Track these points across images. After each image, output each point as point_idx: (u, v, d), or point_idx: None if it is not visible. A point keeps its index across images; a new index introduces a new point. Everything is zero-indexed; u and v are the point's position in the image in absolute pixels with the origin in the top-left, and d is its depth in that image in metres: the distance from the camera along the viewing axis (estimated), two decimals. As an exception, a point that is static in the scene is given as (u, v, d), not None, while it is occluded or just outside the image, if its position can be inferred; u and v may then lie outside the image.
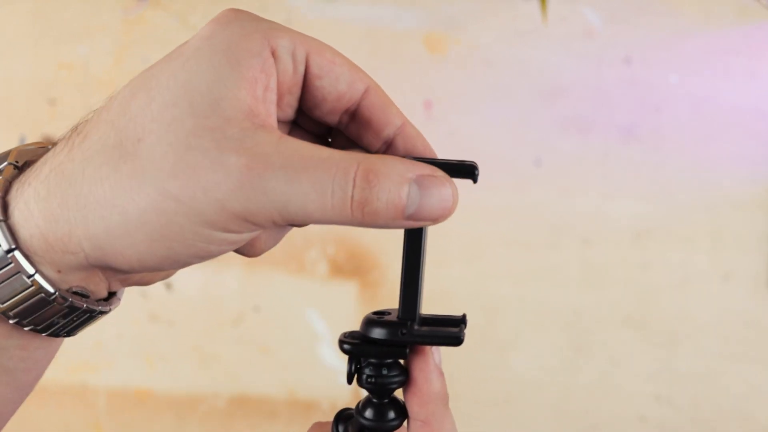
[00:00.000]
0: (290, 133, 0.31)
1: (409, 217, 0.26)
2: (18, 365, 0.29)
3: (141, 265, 0.27)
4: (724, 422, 0.67)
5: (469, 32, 0.69)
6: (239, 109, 0.25)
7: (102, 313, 0.29)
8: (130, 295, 0.74)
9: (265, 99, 0.27)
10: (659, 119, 0.68)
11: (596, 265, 0.68)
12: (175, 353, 0.70)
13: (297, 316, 0.69)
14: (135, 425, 0.71)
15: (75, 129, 0.27)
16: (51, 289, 0.27)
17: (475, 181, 0.30)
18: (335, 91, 0.29)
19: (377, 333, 0.30)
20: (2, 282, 0.27)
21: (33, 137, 0.68)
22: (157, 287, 0.69)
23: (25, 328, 0.28)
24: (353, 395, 0.68)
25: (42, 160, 0.27)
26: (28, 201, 0.26)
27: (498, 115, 0.69)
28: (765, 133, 0.68)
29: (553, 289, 0.68)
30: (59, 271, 0.27)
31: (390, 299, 0.67)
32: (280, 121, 0.29)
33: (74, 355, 0.69)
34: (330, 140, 0.32)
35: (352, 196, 0.25)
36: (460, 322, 0.30)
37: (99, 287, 0.29)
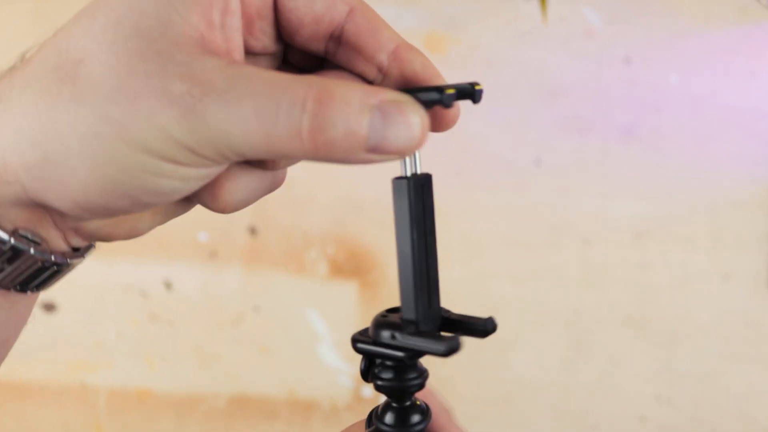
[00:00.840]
0: (279, 68, 0.28)
1: (371, 149, 0.23)
2: None
3: (85, 199, 0.24)
4: (724, 422, 0.67)
5: (470, 32, 0.69)
6: (189, 35, 0.23)
7: (59, 266, 0.26)
8: (129, 295, 0.74)
9: (224, 25, 0.24)
10: (659, 119, 0.68)
11: (596, 265, 0.68)
12: (175, 353, 0.70)
13: (297, 316, 0.69)
14: (135, 425, 0.71)
15: (22, 57, 0.26)
16: (4, 236, 0.24)
17: (475, 101, 0.26)
18: (311, 12, 0.26)
19: (380, 334, 0.28)
20: None
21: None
22: (157, 287, 0.69)
23: None
24: (353, 395, 0.68)
25: None
26: None
27: (498, 115, 0.69)
28: (765, 133, 0.68)
29: (553, 289, 0.68)
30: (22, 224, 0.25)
31: (390, 299, 0.67)
32: (258, 53, 0.27)
33: (74, 355, 0.69)
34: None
35: (303, 123, 0.22)
36: (481, 328, 0.27)
37: (51, 235, 0.26)
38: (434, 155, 0.70)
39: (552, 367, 0.68)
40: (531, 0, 0.68)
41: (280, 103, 0.22)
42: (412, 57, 0.27)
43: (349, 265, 0.69)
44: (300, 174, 0.70)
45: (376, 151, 0.23)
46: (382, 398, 0.33)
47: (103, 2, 0.24)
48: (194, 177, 0.24)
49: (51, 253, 0.26)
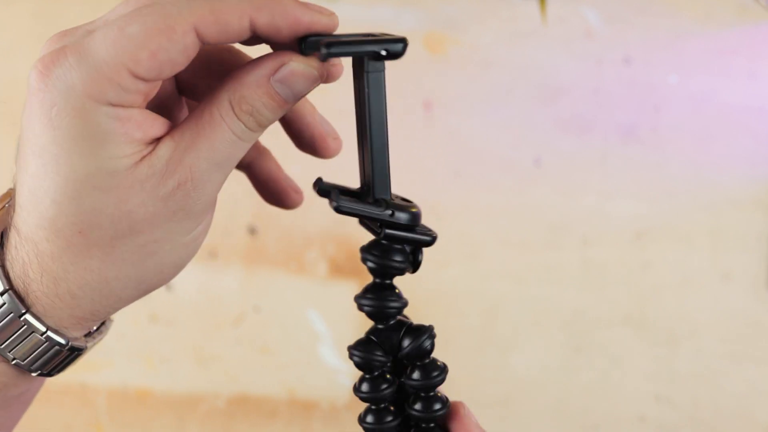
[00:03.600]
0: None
1: (295, 97, 0.29)
2: (16, 401, 0.32)
3: (136, 295, 0.31)
4: (723, 422, 0.67)
5: (469, 33, 0.69)
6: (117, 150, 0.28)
7: (80, 350, 0.31)
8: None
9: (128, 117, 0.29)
10: (659, 119, 0.68)
11: (596, 265, 0.68)
12: (175, 353, 0.70)
13: (297, 316, 0.70)
14: (135, 425, 0.71)
15: (9, 195, 0.31)
16: (63, 341, 0.30)
17: (396, 56, 0.29)
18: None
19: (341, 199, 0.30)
20: (20, 341, 0.29)
21: (33, 137, 0.68)
22: (157, 287, 0.69)
23: (33, 374, 0.30)
24: (353, 395, 0.68)
25: (11, 230, 0.30)
26: (26, 273, 0.29)
27: (498, 115, 0.69)
28: (765, 133, 0.68)
29: (553, 288, 0.68)
30: (65, 327, 0.30)
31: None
32: (166, 101, 0.32)
33: (74, 355, 0.69)
34: None
35: (249, 127, 0.28)
36: (410, 220, 0.29)
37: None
38: (434, 155, 0.70)
39: (551, 367, 0.68)
40: (530, 1, 0.68)
41: (228, 127, 0.29)
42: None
43: (349, 265, 0.69)
44: (300, 174, 0.70)
45: (296, 99, 0.29)
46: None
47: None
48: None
49: (92, 336, 0.32)
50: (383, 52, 0.28)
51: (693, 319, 0.68)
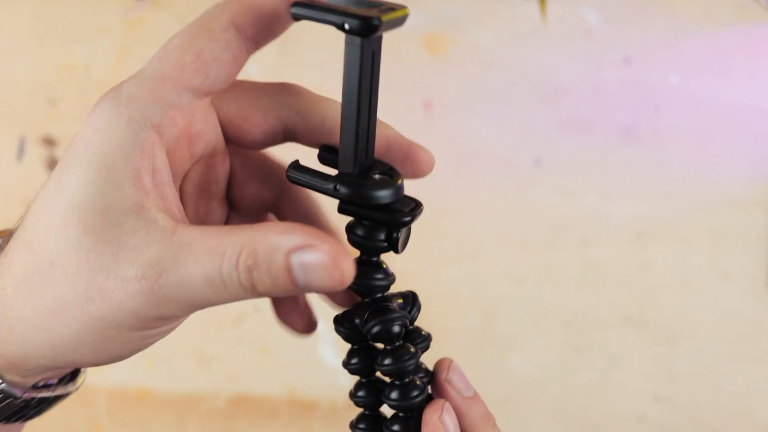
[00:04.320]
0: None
1: (305, 289, 0.25)
2: None
3: (96, 363, 0.29)
4: (723, 422, 0.67)
5: (469, 33, 0.69)
6: (127, 211, 0.25)
7: (68, 393, 0.31)
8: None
9: (156, 183, 0.26)
10: (659, 119, 0.69)
11: (596, 265, 0.68)
12: (175, 353, 0.70)
13: (297, 316, 0.70)
14: (135, 425, 0.71)
15: (1, 247, 0.29)
16: (18, 393, 0.29)
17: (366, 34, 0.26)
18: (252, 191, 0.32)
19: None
20: None
21: (33, 137, 0.68)
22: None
23: None
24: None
25: None
26: None
27: (498, 115, 0.69)
28: (765, 133, 0.68)
29: (553, 288, 0.68)
30: (25, 377, 0.29)
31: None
32: (207, 197, 0.31)
33: (74, 355, 0.69)
34: None
35: (243, 282, 0.25)
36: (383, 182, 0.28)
37: (64, 371, 0.31)
38: (434, 155, 0.70)
39: (551, 366, 0.68)
40: (530, 1, 0.68)
41: (221, 269, 0.25)
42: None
43: (349, 265, 0.69)
44: (300, 174, 0.70)
45: (309, 289, 0.25)
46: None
47: (51, 197, 0.26)
48: (176, 323, 0.29)
49: (65, 385, 0.32)
50: (346, 26, 0.25)
51: (693, 319, 0.68)
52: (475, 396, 0.31)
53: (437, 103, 0.68)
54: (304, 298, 0.34)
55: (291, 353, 0.70)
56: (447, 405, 0.30)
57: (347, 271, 0.24)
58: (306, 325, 0.35)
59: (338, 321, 0.31)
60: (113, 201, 0.25)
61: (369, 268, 0.29)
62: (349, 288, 0.29)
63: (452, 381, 0.30)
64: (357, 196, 0.27)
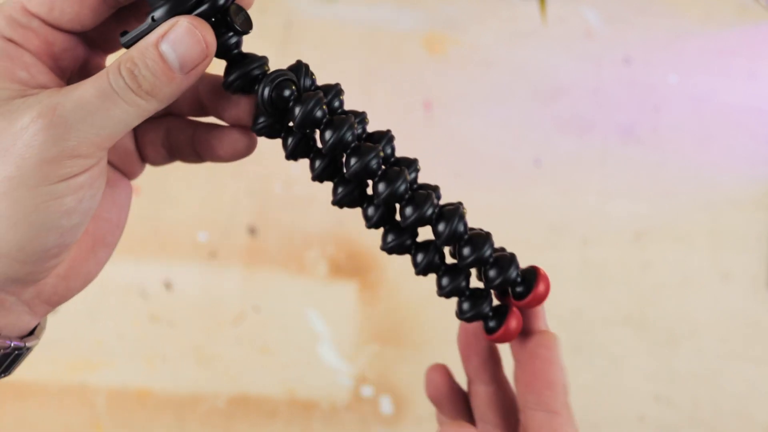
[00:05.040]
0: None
1: (182, 70, 0.28)
2: None
3: (18, 251, 0.28)
4: (723, 422, 0.67)
5: (469, 33, 0.69)
6: (11, 98, 0.28)
7: (29, 349, 0.30)
8: (129, 295, 0.74)
9: (33, 75, 0.29)
10: (658, 119, 0.69)
11: (596, 265, 0.68)
12: (175, 353, 0.70)
13: (297, 316, 0.70)
14: (135, 425, 0.71)
15: None
16: None
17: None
18: None
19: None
20: None
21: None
22: (157, 287, 0.69)
23: None
24: (353, 395, 0.68)
25: None
26: None
27: (498, 115, 0.69)
28: (765, 133, 0.68)
29: (553, 288, 0.68)
30: None
31: (390, 299, 0.67)
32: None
33: (74, 355, 0.69)
34: None
35: (130, 85, 0.28)
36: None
37: (15, 317, 0.30)
38: (434, 155, 0.70)
39: (552, 367, 0.68)
40: (530, 1, 0.68)
41: (109, 80, 0.28)
42: None
43: (349, 265, 0.69)
44: (300, 174, 0.70)
45: (186, 69, 0.28)
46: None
47: None
48: (87, 182, 0.29)
49: (22, 338, 0.31)
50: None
51: (693, 319, 0.68)
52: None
53: (437, 103, 0.68)
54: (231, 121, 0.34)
55: (291, 353, 0.70)
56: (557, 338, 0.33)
57: (208, 34, 0.28)
58: (244, 143, 0.35)
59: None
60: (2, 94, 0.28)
61: (238, 62, 0.31)
62: (231, 87, 0.31)
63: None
64: (173, 7, 0.29)
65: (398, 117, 0.68)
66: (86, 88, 0.28)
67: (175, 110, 0.34)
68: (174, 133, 0.34)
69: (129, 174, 0.35)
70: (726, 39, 0.68)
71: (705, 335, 0.68)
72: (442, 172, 0.68)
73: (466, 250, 0.32)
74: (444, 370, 0.33)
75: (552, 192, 0.68)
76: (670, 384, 0.68)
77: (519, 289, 0.33)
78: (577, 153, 0.68)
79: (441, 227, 0.31)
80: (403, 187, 0.30)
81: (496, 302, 0.33)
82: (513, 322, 0.32)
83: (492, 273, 0.32)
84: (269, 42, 0.68)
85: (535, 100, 0.68)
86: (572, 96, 0.68)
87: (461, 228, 0.31)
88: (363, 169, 0.30)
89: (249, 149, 0.34)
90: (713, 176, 0.68)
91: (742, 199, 0.67)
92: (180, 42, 0.28)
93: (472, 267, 0.32)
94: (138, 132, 0.34)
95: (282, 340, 0.70)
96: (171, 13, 0.28)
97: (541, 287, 0.33)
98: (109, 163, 0.34)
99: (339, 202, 0.32)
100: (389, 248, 0.32)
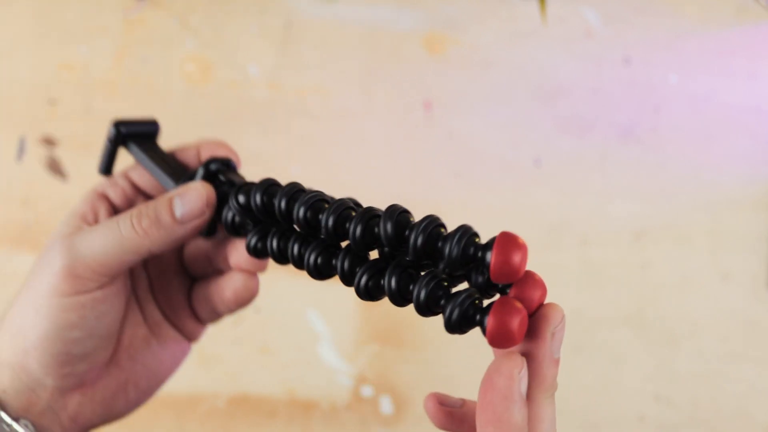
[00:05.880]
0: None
1: (182, 217, 0.35)
2: None
3: (38, 352, 0.34)
4: (723, 422, 0.67)
5: (469, 33, 0.69)
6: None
7: None
8: (130, 295, 0.71)
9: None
10: (659, 119, 0.69)
11: (596, 265, 0.68)
12: (175, 353, 0.70)
13: (297, 317, 0.70)
14: (135, 425, 0.71)
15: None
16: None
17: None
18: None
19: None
20: None
21: (33, 137, 0.68)
22: (157, 287, 0.69)
23: None
24: (353, 395, 0.68)
25: None
26: None
27: (498, 115, 0.69)
28: (765, 133, 0.68)
29: (553, 288, 0.68)
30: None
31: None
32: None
33: (74, 355, 0.69)
34: None
35: (134, 226, 0.35)
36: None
37: (47, 420, 0.35)
38: (434, 155, 0.70)
39: (552, 367, 0.68)
40: (530, 1, 0.68)
41: (118, 221, 0.35)
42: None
43: (349, 265, 0.69)
44: (300, 174, 0.70)
45: (184, 220, 0.35)
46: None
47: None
48: (89, 306, 0.35)
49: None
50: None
51: (693, 319, 0.68)
52: (558, 360, 0.30)
53: (437, 103, 0.68)
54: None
55: (291, 353, 0.70)
56: (525, 365, 0.28)
57: (211, 192, 0.36)
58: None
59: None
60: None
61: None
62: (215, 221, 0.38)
63: (556, 336, 0.30)
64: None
65: (398, 117, 0.68)
66: (98, 226, 0.35)
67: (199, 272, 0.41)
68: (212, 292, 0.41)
69: (189, 335, 0.43)
70: (726, 39, 0.68)
71: (705, 335, 0.68)
72: (442, 172, 0.68)
73: (411, 240, 0.27)
74: (434, 400, 0.32)
75: (552, 192, 0.68)
76: (670, 384, 0.68)
77: (484, 269, 0.26)
78: (577, 153, 0.68)
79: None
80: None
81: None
82: (498, 318, 0.26)
83: (445, 256, 0.27)
84: (269, 42, 0.68)
85: (535, 100, 0.68)
86: (572, 96, 0.68)
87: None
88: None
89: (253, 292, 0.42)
90: (713, 176, 0.68)
91: (742, 199, 0.67)
92: (187, 198, 0.35)
93: (424, 256, 0.28)
94: (191, 294, 0.41)
95: (282, 340, 0.70)
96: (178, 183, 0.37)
97: (497, 255, 0.26)
98: (169, 322, 0.41)
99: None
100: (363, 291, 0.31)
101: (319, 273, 0.31)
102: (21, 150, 0.68)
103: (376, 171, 0.68)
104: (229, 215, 0.36)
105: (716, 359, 0.68)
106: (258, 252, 0.35)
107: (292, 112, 0.67)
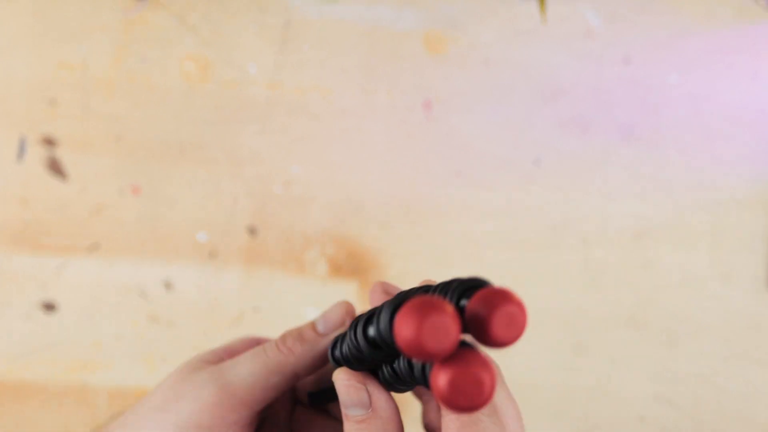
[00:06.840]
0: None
1: (325, 328, 0.37)
2: None
3: None
4: (724, 422, 0.67)
5: (469, 32, 0.69)
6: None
7: None
8: (129, 296, 0.73)
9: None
10: (659, 119, 0.68)
11: (596, 265, 0.68)
12: (175, 353, 0.70)
13: (297, 316, 0.69)
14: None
15: None
16: None
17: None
18: None
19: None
20: None
21: (33, 137, 0.68)
22: (157, 288, 0.69)
23: None
24: (353, 395, 0.68)
25: None
26: None
27: (498, 114, 0.69)
28: (765, 133, 0.68)
29: (553, 289, 0.68)
30: None
31: (390, 299, 0.67)
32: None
33: (74, 355, 0.69)
34: None
35: (278, 345, 0.36)
36: None
37: None
38: (434, 155, 0.70)
39: (552, 367, 0.68)
40: (530, 0, 0.68)
41: (264, 348, 0.37)
42: None
43: (349, 265, 0.69)
44: (300, 174, 0.70)
45: (327, 331, 0.37)
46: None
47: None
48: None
49: None
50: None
51: (693, 320, 0.68)
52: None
53: (437, 102, 0.68)
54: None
55: (291, 353, 0.70)
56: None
57: (350, 305, 0.37)
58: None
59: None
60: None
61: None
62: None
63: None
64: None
65: (398, 116, 0.68)
66: (244, 355, 0.36)
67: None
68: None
69: None
70: (727, 38, 0.68)
71: (705, 335, 0.68)
72: (442, 171, 0.68)
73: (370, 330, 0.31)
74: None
75: (552, 191, 0.68)
76: (670, 384, 0.68)
77: None
78: (578, 152, 0.68)
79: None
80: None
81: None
82: (438, 379, 0.23)
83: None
84: (269, 41, 0.68)
85: (535, 99, 0.68)
86: (572, 95, 0.68)
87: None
88: None
89: None
90: (714, 176, 0.68)
91: (743, 199, 0.67)
92: (331, 313, 0.38)
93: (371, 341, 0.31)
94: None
95: (282, 340, 0.70)
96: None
97: (399, 331, 0.21)
98: None
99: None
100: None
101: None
102: (21, 150, 0.68)
103: (376, 170, 0.68)
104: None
105: (717, 359, 0.68)
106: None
107: (292, 112, 0.67)
